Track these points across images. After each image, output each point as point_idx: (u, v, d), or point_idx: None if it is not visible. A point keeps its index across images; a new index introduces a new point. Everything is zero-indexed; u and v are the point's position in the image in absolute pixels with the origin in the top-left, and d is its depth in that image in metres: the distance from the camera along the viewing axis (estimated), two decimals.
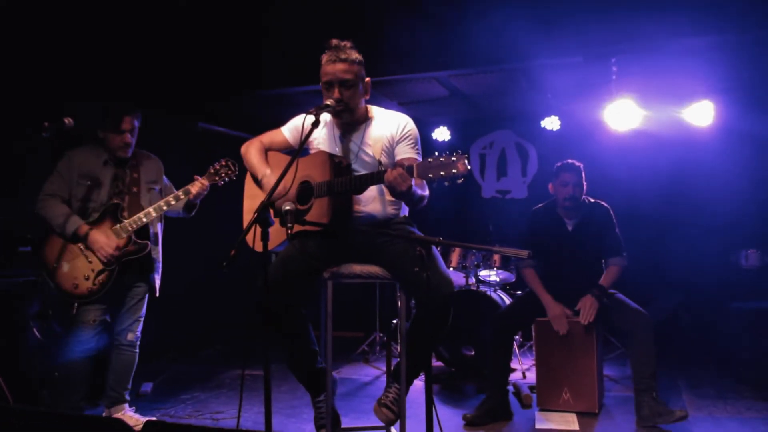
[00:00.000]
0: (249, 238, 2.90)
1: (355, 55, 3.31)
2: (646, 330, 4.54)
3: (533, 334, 5.13)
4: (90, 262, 4.44)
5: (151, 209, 4.49)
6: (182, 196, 4.55)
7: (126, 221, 4.47)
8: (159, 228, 4.76)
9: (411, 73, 5.90)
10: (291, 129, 3.61)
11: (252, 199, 3.67)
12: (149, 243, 4.56)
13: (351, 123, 3.41)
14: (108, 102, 4.66)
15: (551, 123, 7.73)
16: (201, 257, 6.06)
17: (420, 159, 3.27)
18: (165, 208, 4.51)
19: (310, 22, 5.68)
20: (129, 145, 4.51)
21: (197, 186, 4.56)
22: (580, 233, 5.03)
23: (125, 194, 4.55)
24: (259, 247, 2.90)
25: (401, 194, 3.05)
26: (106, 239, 4.38)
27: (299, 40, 5.82)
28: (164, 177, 4.75)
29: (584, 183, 5.07)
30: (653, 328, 4.55)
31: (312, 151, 3.52)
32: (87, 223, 4.46)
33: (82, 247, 4.43)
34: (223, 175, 4.59)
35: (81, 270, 4.38)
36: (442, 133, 8.29)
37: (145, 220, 4.47)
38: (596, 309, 4.74)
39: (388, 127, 3.42)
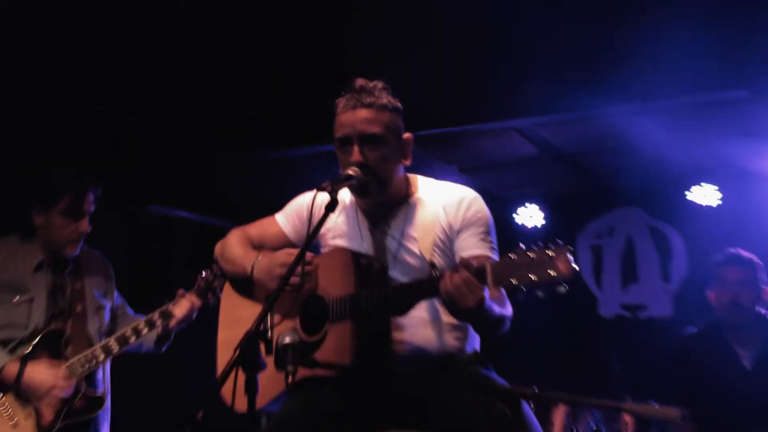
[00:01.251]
0: (226, 389, 2.44)
1: (387, 99, 2.78)
2: None
3: None
4: (14, 425, 3.48)
5: (112, 342, 3.61)
6: (158, 324, 3.67)
7: (73, 360, 3.57)
8: (107, 368, 3.81)
9: (478, 122, 4.80)
10: (291, 216, 3.04)
11: (231, 327, 3.02)
12: (105, 396, 3.69)
13: (385, 204, 2.84)
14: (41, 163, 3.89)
15: (705, 195, 5.88)
16: (152, 415, 5.07)
17: (496, 257, 2.76)
18: (133, 340, 3.65)
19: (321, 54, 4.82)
20: (83, 235, 3.66)
21: (184, 306, 3.69)
22: (764, 371, 4.07)
23: (68, 316, 3.67)
24: (242, 404, 2.46)
25: (467, 314, 2.51)
26: (51, 374, 3.48)
27: (302, 85, 4.95)
28: (115, 288, 3.90)
29: (763, 286, 4.21)
30: None
31: (325, 249, 2.97)
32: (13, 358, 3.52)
33: (6, 401, 3.50)
34: (216, 288, 3.75)
35: None
36: (530, 215, 6.60)
37: (102, 358, 3.59)
38: None
39: (443, 208, 2.86)
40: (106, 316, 3.79)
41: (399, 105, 2.78)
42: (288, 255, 2.77)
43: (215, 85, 5.22)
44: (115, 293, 3.87)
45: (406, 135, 2.83)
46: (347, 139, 2.73)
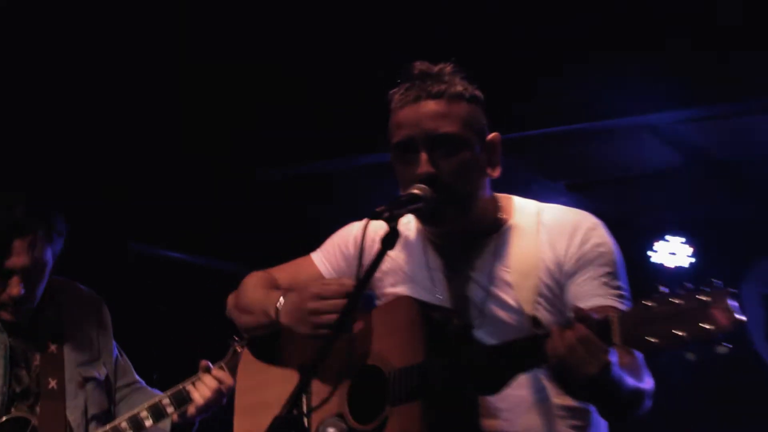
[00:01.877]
0: None
1: (463, 86, 2.26)
2: None
3: None
4: None
5: None
6: (169, 411, 2.85)
7: None
8: None
9: (593, 119, 4.05)
10: (333, 254, 2.55)
11: (252, 414, 2.49)
12: None
13: (466, 235, 2.35)
14: None
15: None
16: None
17: (625, 306, 2.21)
18: None
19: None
20: (19, 301, 2.86)
21: (209, 386, 2.86)
22: None
23: (36, 398, 2.92)
24: None
25: (587, 388, 1.99)
26: None
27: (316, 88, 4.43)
28: (114, 343, 3.10)
29: None
30: None
31: (381, 301, 2.45)
32: None
33: None
34: None
35: None
36: (673, 251, 5.46)
37: None
38: None
39: (548, 240, 2.35)
40: (97, 391, 3.00)
41: (479, 94, 2.24)
42: (323, 286, 2.27)
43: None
44: (114, 351, 3.09)
45: (493, 135, 2.27)
46: (409, 144, 2.19)
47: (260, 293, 2.48)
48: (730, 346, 1.99)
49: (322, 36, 4.39)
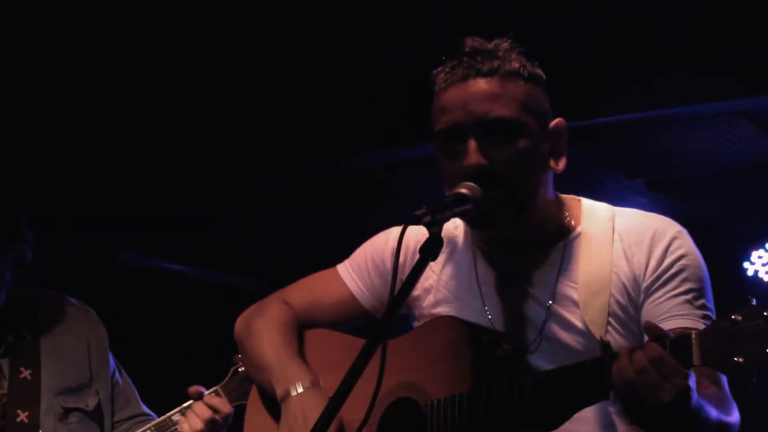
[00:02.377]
0: None
1: (520, 63, 2.00)
2: None
3: None
4: None
5: None
6: None
7: None
8: None
9: (676, 104, 3.67)
10: (362, 267, 2.28)
11: None
12: None
13: (523, 242, 2.08)
14: None
15: None
16: None
17: (704, 324, 1.93)
18: None
19: None
20: None
21: (202, 415, 2.49)
22: None
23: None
24: None
25: (660, 419, 1.74)
26: None
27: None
28: (112, 366, 2.76)
29: None
30: None
31: (420, 322, 2.20)
32: None
33: None
34: None
35: None
36: None
37: None
38: None
39: (623, 250, 2.08)
40: (84, 425, 2.66)
41: (540, 72, 2.00)
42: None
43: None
44: (116, 376, 2.76)
45: (557, 121, 2.03)
46: (456, 131, 1.94)
47: (278, 345, 2.21)
48: None
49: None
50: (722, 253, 4.24)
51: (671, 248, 2.02)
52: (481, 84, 1.94)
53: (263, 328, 2.23)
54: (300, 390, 2.11)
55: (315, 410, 2.03)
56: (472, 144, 1.92)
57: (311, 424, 1.83)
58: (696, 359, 1.69)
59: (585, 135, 3.71)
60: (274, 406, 2.22)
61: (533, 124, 1.97)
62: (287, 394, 2.10)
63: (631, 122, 3.73)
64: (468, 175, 1.87)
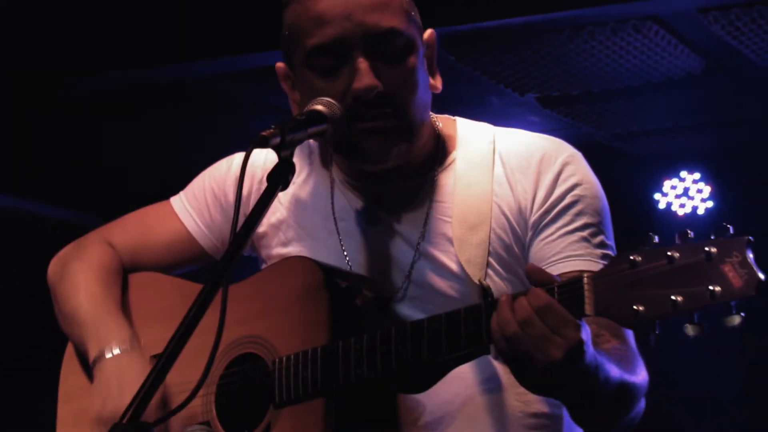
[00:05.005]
0: None
1: None
2: None
3: None
4: None
5: None
6: None
7: None
8: None
9: (577, 5, 3.21)
10: (200, 198, 2.14)
11: (77, 403, 2.12)
12: None
13: (390, 171, 1.91)
14: None
15: None
16: None
17: (602, 263, 1.82)
18: None
19: None
20: None
21: None
22: None
23: None
24: None
25: (552, 380, 1.62)
26: None
27: None
28: None
29: None
30: None
31: (267, 264, 2.06)
32: None
33: None
34: None
35: None
36: (687, 193, 4.54)
37: None
38: None
39: (506, 177, 1.96)
40: None
41: None
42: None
43: None
44: None
45: (429, 32, 1.94)
46: (340, 47, 1.81)
47: (93, 307, 2.06)
48: (740, 319, 1.56)
49: None
50: (628, 182, 4.03)
51: (563, 175, 1.89)
52: None
53: (79, 274, 2.09)
54: (116, 351, 1.99)
55: (133, 376, 1.91)
56: (363, 63, 1.79)
57: (127, 392, 1.78)
58: (588, 308, 1.58)
59: (465, 41, 3.46)
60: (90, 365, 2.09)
61: (418, 38, 1.86)
62: (101, 355, 1.97)
63: (522, 26, 3.46)
64: (358, 100, 1.75)
